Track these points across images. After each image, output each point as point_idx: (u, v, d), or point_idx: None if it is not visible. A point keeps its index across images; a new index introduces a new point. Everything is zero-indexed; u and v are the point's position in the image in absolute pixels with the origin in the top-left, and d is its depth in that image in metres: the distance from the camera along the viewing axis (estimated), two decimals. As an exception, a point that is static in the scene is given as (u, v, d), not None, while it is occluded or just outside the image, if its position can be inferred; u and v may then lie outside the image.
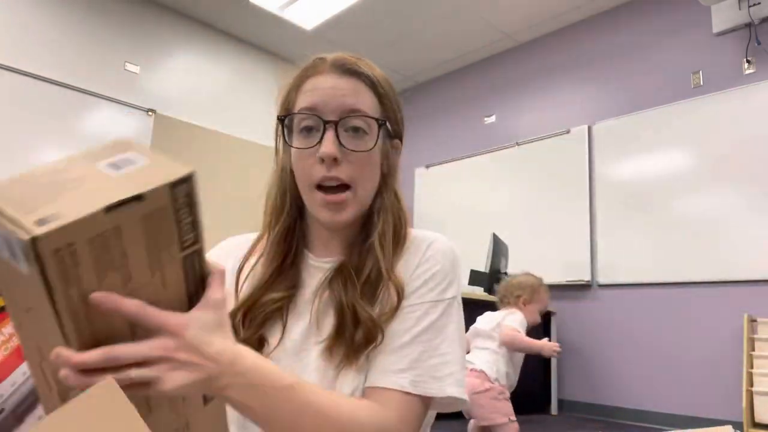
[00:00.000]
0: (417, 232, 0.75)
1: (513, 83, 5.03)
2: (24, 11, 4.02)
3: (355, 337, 0.64)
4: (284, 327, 0.69)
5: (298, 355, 0.68)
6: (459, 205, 5.15)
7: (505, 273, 3.86)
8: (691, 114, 3.83)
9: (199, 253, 0.47)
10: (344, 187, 0.67)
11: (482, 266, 3.78)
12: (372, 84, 0.71)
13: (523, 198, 4.67)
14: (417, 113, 5.68)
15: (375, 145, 0.69)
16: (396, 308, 0.66)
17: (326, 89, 0.68)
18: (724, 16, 3.72)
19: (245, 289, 0.70)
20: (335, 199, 0.67)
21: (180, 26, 4.84)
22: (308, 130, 0.68)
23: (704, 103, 3.78)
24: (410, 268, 0.70)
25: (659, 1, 4.14)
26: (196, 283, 0.48)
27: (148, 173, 0.42)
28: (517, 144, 4.83)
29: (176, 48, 4.82)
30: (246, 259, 0.73)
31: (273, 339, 0.68)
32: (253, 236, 0.78)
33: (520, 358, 2.38)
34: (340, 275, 0.69)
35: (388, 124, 0.72)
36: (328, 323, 0.67)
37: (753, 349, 3.25)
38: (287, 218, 0.73)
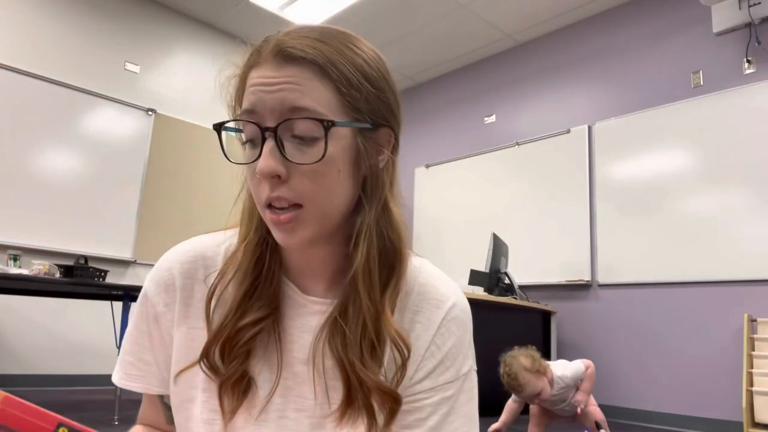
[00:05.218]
0: (426, 279, 0.63)
1: (513, 83, 5.03)
2: (24, 11, 4.02)
3: (372, 404, 0.56)
4: (279, 368, 0.59)
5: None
6: (459, 205, 5.15)
7: (506, 273, 3.86)
8: (691, 114, 3.83)
9: None
10: (295, 204, 0.55)
11: (482, 266, 3.78)
12: (320, 68, 0.53)
13: (523, 198, 4.67)
14: (417, 113, 5.68)
15: (325, 152, 0.53)
16: (403, 367, 0.56)
17: (263, 86, 0.53)
18: (724, 16, 3.72)
19: (216, 317, 0.59)
20: (282, 219, 0.54)
21: (180, 26, 4.84)
22: (251, 140, 0.55)
23: (704, 102, 3.78)
24: (423, 343, 0.60)
25: (659, 1, 4.14)
26: None
27: None
28: (517, 144, 4.83)
29: (176, 48, 4.82)
30: (219, 278, 0.60)
31: (262, 382, 0.59)
32: (221, 242, 0.65)
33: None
34: (335, 328, 0.58)
35: (361, 117, 0.56)
36: (335, 391, 0.58)
37: (753, 349, 3.25)
38: (258, 229, 0.61)
